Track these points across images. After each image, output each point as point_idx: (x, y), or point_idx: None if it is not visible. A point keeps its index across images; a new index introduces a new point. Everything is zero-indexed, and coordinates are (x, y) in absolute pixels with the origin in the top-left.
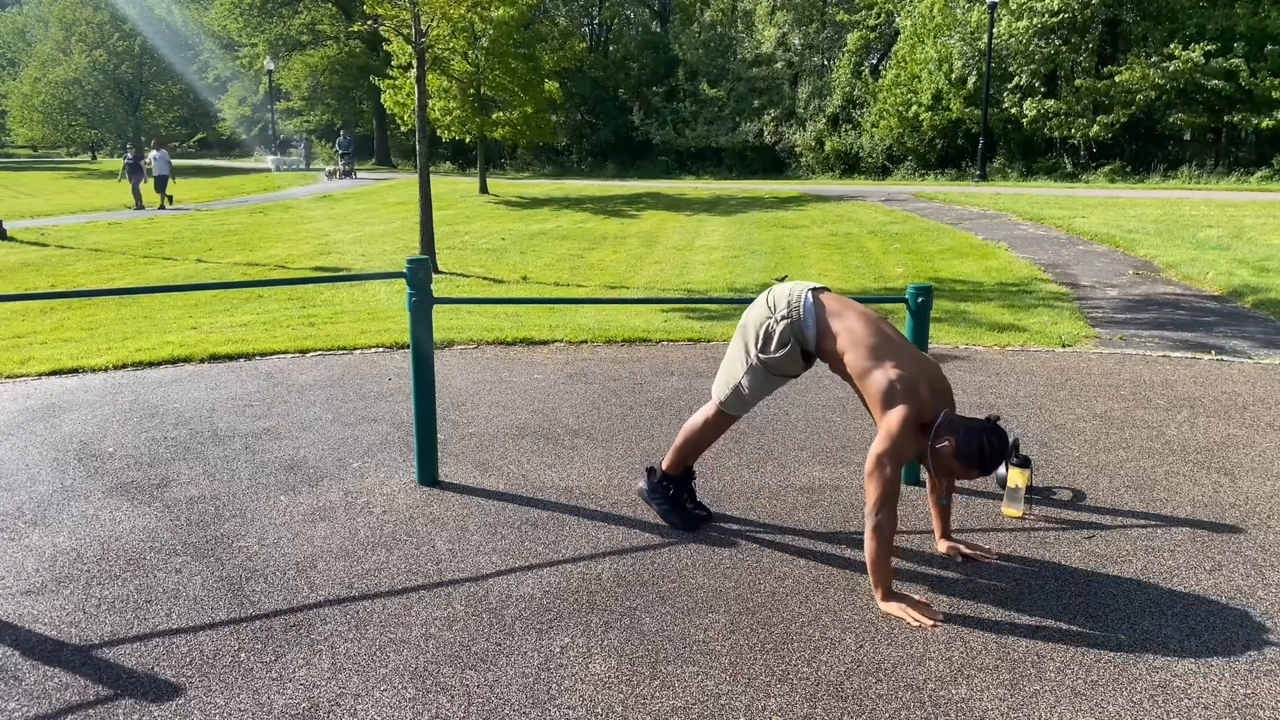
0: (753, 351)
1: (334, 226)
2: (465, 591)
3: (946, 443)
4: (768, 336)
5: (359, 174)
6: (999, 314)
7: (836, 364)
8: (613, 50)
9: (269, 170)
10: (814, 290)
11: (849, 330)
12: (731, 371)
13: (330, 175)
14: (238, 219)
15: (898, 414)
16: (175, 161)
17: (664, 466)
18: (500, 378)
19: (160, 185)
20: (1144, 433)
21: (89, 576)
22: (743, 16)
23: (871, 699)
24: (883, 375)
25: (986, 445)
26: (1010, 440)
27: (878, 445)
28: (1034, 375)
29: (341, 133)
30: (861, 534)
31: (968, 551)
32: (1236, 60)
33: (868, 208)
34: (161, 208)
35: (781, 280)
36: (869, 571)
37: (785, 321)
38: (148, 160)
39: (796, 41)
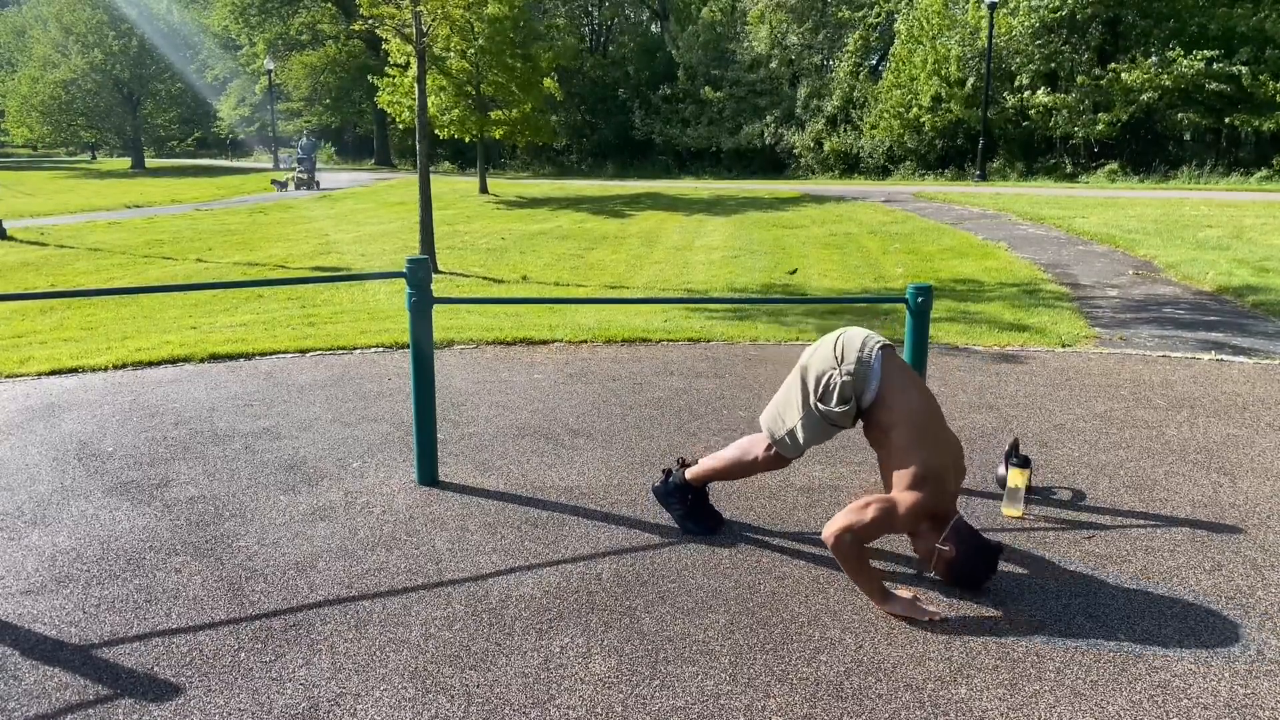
0: (812, 399)
1: (334, 226)
2: (465, 591)
3: (949, 549)
4: (828, 389)
5: (321, 183)
6: (999, 314)
7: (875, 429)
8: (612, 50)
9: (268, 169)
10: (884, 348)
11: (908, 408)
12: (787, 411)
13: (284, 186)
14: (237, 219)
15: (913, 497)
16: (172, 162)
17: (689, 475)
18: (500, 378)
19: None
20: (1144, 433)
21: (89, 576)
22: (740, 17)
23: (871, 699)
24: (921, 460)
25: (980, 570)
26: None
27: (879, 499)
28: (1034, 375)
29: (304, 135)
30: None
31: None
32: (1239, 67)
33: (868, 208)
34: None
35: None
36: (857, 587)
37: (848, 378)
38: None
39: (794, 40)
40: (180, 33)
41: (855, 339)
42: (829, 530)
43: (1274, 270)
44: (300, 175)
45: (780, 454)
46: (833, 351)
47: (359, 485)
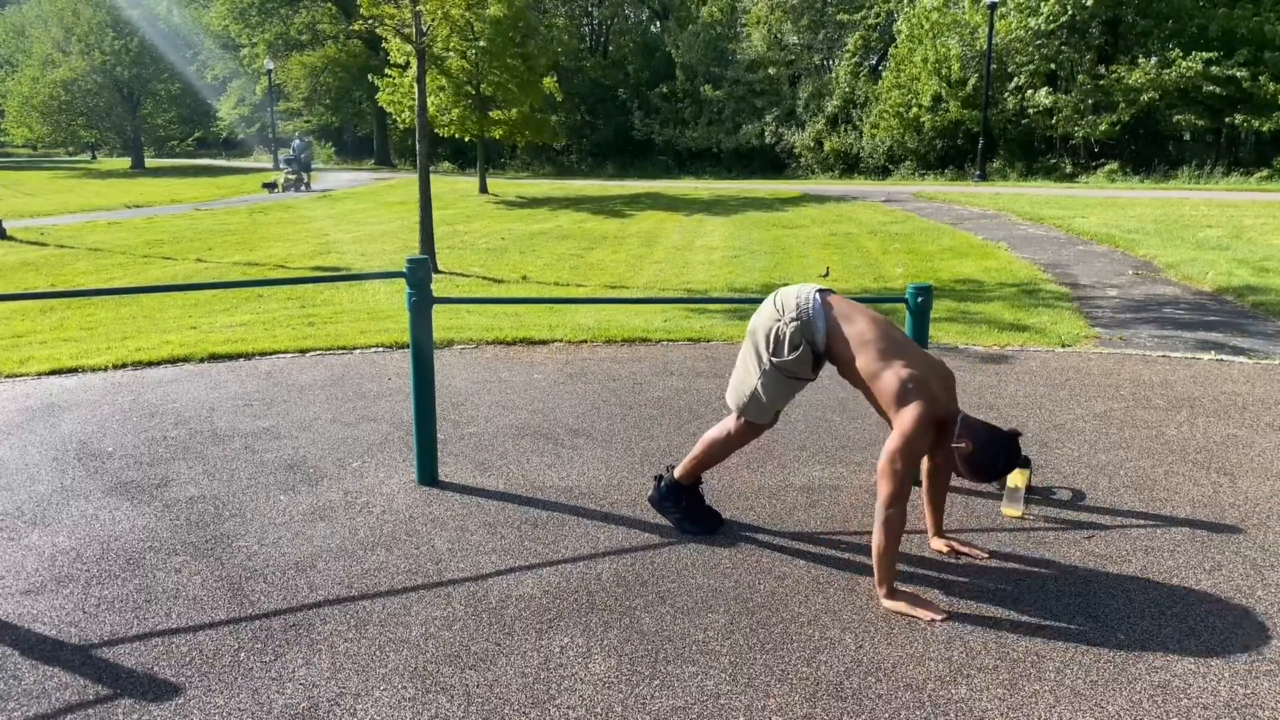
0: (765, 356)
1: (334, 226)
2: (465, 591)
3: (964, 444)
4: (778, 340)
5: (312, 184)
6: (999, 314)
7: (845, 367)
8: (612, 50)
9: (267, 169)
10: (820, 292)
11: (859, 333)
12: (745, 379)
13: (274, 187)
14: (237, 219)
15: (912, 411)
16: (172, 162)
17: (676, 474)
18: (500, 377)
19: None
20: (1144, 433)
21: (88, 576)
22: (740, 17)
23: (871, 698)
24: (894, 375)
25: (1001, 457)
26: (1020, 450)
27: (892, 442)
28: (1034, 375)
29: (296, 135)
30: (861, 531)
31: (961, 549)
32: (1239, 70)
33: (867, 208)
34: None
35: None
36: (875, 567)
37: (795, 324)
38: None
39: (794, 40)
40: (180, 33)
41: (790, 292)
42: (878, 505)
43: (1274, 270)
44: (290, 176)
45: (750, 421)
46: (773, 307)
47: (359, 485)
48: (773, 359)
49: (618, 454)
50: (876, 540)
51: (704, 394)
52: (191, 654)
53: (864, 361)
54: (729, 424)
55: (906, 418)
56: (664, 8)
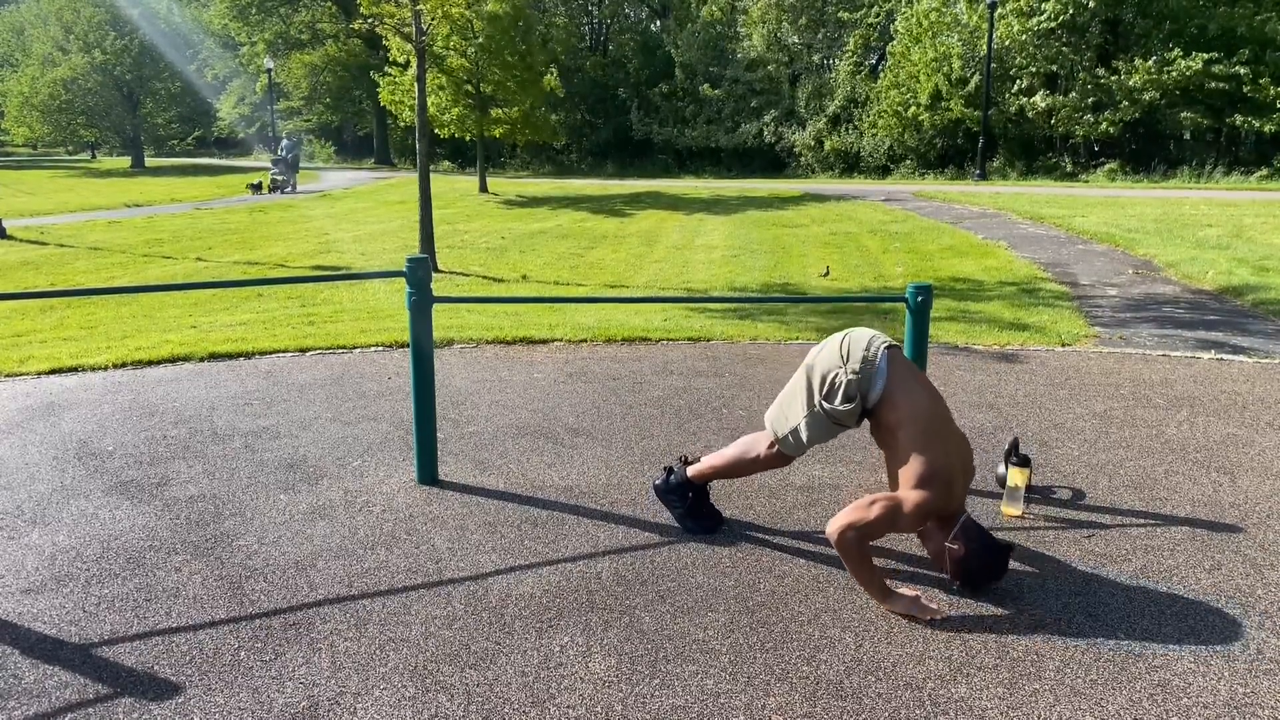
0: (816, 397)
1: (334, 225)
2: (465, 590)
3: (958, 547)
4: (833, 388)
5: (298, 186)
6: (999, 313)
7: (882, 429)
8: (612, 50)
9: (268, 168)
10: (889, 348)
11: (912, 406)
12: (791, 409)
13: (257, 189)
14: (237, 218)
15: (919, 496)
16: (172, 161)
17: (691, 473)
18: (500, 377)
19: None
20: (1144, 432)
21: (89, 575)
22: (742, 15)
23: (871, 697)
24: (926, 462)
25: (989, 570)
26: (1010, 448)
27: (887, 497)
28: (1034, 374)
29: (285, 135)
30: None
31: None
32: (1240, 70)
33: (867, 207)
34: None
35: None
36: (859, 585)
37: (855, 377)
38: None
39: (794, 39)
40: (180, 31)
41: (861, 338)
42: (833, 526)
43: (1274, 269)
44: (278, 177)
45: (783, 452)
46: (838, 351)
47: (359, 484)
48: (823, 403)
49: (618, 453)
50: (846, 564)
51: (704, 393)
52: (191, 653)
53: (905, 435)
54: (760, 447)
55: (911, 498)
56: (664, 7)
